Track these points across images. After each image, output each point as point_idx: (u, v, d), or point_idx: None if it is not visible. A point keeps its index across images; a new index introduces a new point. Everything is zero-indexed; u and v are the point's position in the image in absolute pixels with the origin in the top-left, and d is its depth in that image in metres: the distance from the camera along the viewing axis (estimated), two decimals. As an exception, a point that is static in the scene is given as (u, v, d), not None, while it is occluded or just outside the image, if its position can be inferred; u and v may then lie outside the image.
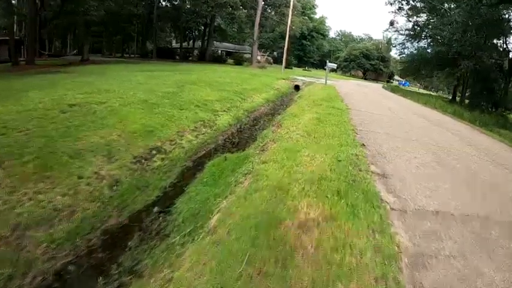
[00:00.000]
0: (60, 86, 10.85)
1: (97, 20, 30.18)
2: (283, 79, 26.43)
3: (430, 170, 5.90)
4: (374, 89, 32.17)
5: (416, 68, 43.16)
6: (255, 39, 38.22)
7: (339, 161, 5.50)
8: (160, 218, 4.99)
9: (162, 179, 6.42)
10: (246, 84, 17.84)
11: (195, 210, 4.91)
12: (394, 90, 35.57)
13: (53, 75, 15.11)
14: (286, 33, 39.01)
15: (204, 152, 8.72)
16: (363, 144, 6.83)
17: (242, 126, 11.39)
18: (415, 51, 43.25)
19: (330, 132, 7.53)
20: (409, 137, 8.57)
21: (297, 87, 24.08)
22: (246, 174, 5.50)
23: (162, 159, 7.16)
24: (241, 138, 10.07)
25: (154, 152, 7.24)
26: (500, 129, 15.43)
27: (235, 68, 31.99)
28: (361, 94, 21.29)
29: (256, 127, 11.38)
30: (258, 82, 20.33)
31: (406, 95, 28.02)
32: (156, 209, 5.36)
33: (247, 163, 6.14)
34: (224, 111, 11.92)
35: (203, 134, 9.45)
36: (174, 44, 57.63)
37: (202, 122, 10.08)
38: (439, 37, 36.80)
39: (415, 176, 5.40)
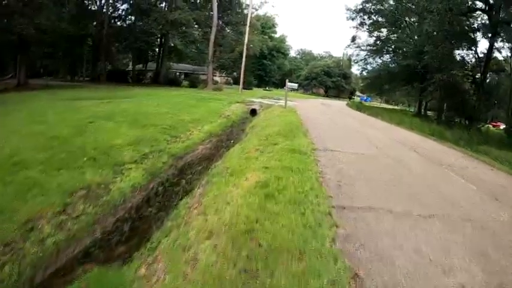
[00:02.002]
0: None
1: (30, 39, 25.27)
2: (238, 102, 22.63)
3: None
4: (340, 109, 29.03)
5: (381, 84, 41.25)
6: (209, 59, 34.36)
7: None
8: None
9: None
10: (187, 114, 13.83)
11: None
12: (360, 108, 32.73)
13: None
14: (245, 53, 35.61)
15: (63, 261, 4.60)
16: None
17: (156, 189, 7.28)
18: (378, 67, 41.38)
19: (287, 235, 3.55)
20: (430, 211, 4.66)
21: (253, 112, 20.40)
22: None
23: None
24: (141, 219, 5.93)
25: None
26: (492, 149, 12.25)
27: (186, 92, 27.96)
28: (327, 118, 17.67)
29: (176, 189, 7.32)
30: (204, 109, 16.36)
31: (374, 114, 24.84)
32: None
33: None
34: (135, 162, 7.86)
35: (75, 218, 5.26)
36: (131, 66, 52.86)
37: (85, 192, 5.88)
38: (404, 49, 34.88)
39: None
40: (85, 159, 7.16)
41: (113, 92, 22.51)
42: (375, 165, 7.18)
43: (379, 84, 41.97)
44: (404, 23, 35.88)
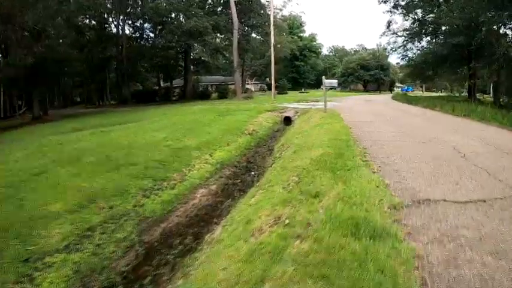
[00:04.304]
0: None
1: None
2: (269, 111, 18.63)
3: None
4: (388, 104, 24.09)
5: (426, 69, 35.57)
6: (235, 65, 30.59)
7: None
8: None
9: None
10: (194, 138, 10.08)
11: None
12: (409, 100, 27.55)
13: None
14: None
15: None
16: None
17: None
18: (422, 51, 35.68)
19: None
20: None
21: (287, 120, 16.41)
22: None
23: None
24: None
25: None
26: None
27: (210, 105, 24.34)
28: (381, 119, 12.97)
29: None
30: (222, 126, 12.54)
31: (430, 106, 19.65)
32: None
33: None
34: (60, 252, 4.18)
35: None
36: (163, 84, 50.67)
37: None
38: (447, 27, 29.28)
39: None
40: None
41: (125, 116, 19.42)
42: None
43: (422, 70, 36.25)
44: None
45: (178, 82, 44.89)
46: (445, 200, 3.82)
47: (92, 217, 5.21)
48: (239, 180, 7.31)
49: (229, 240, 3.43)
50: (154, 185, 6.43)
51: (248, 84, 54.20)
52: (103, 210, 5.46)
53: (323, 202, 3.72)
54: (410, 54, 38.21)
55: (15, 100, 32.74)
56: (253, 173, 7.84)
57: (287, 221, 3.37)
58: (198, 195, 6.43)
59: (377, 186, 4.17)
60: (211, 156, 8.72)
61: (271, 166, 7.42)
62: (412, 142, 7.46)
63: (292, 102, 24.69)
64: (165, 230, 5.30)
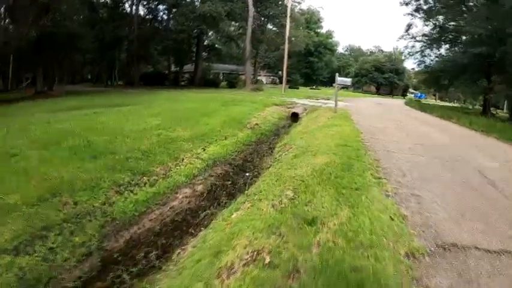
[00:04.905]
0: None
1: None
2: (276, 105, 17.68)
3: None
4: (401, 110, 22.86)
5: (442, 78, 34.22)
6: (247, 55, 29.52)
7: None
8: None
9: None
10: (189, 128, 9.19)
11: None
12: (423, 107, 26.27)
13: None
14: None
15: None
16: None
17: None
18: (440, 58, 34.27)
19: None
20: None
21: (294, 116, 15.54)
22: None
23: None
24: None
25: None
26: None
27: (217, 93, 23.41)
28: (393, 126, 11.88)
29: None
30: (222, 118, 11.66)
31: (445, 117, 18.36)
32: None
33: None
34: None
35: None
36: (173, 68, 49.72)
37: None
38: (467, 36, 27.93)
39: None
40: None
41: (127, 98, 18.64)
42: None
43: (438, 79, 34.88)
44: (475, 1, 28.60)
45: (188, 68, 43.91)
46: (476, 248, 2.91)
47: (52, 214, 4.44)
48: (230, 182, 6.44)
49: (188, 278, 2.56)
50: (132, 180, 5.60)
51: (260, 75, 53.05)
52: (66, 206, 4.66)
53: (320, 235, 2.84)
54: (427, 60, 36.91)
55: (22, 73, 32.17)
56: (247, 174, 6.96)
57: (268, 259, 2.49)
58: (180, 196, 5.57)
59: (391, 219, 3.25)
60: (204, 150, 7.86)
61: (267, 169, 6.54)
62: (431, 158, 6.42)
63: (302, 98, 23.69)
64: (132, 237, 4.47)
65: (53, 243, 4.02)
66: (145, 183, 5.62)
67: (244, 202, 4.21)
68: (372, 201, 3.63)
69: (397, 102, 34.94)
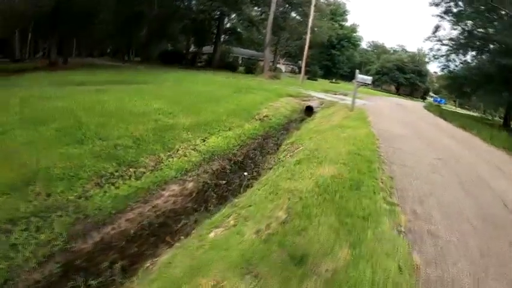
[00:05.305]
0: None
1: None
2: (291, 96, 16.91)
3: None
4: (421, 115, 21.78)
5: (466, 85, 32.87)
6: (267, 42, 28.60)
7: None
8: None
9: None
10: (192, 114, 8.64)
11: None
12: (444, 114, 25.03)
13: None
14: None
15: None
16: None
17: None
18: (465, 65, 32.84)
19: None
20: None
21: (308, 110, 14.85)
22: None
23: None
24: None
25: None
26: None
27: (233, 78, 22.68)
28: (411, 132, 10.99)
29: None
30: (232, 105, 11.04)
31: (467, 127, 17.22)
32: None
33: None
34: None
35: None
36: (193, 48, 48.82)
37: None
38: (495, 46, 26.44)
39: None
40: None
41: (139, 75, 18.12)
42: None
43: (461, 86, 33.46)
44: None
45: (207, 49, 43.05)
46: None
47: (22, 205, 3.97)
48: (225, 182, 5.85)
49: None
50: (116, 171, 5.08)
51: (279, 63, 51.92)
52: (38, 197, 4.18)
53: (307, 284, 2.23)
54: (451, 65, 35.51)
55: (40, 44, 31.88)
56: (246, 173, 6.37)
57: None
58: (166, 194, 5.02)
59: (400, 270, 2.58)
60: (204, 141, 7.29)
61: (268, 170, 5.94)
62: (454, 182, 5.55)
63: (319, 91, 22.81)
64: (103, 239, 3.95)
65: (16, 238, 3.58)
66: (130, 176, 5.10)
67: (229, 216, 3.61)
68: (379, 240, 2.96)
69: (417, 105, 33.75)
